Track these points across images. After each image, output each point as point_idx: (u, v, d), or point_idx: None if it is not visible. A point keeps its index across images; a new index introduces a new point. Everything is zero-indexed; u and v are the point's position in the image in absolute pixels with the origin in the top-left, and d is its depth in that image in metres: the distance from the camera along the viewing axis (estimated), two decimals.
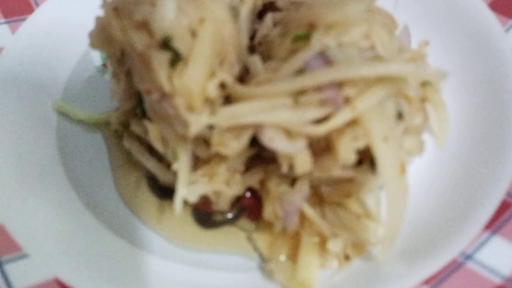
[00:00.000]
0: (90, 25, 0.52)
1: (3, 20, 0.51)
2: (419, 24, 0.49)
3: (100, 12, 0.51)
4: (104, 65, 0.54)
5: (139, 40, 0.34)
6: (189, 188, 0.37)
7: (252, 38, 0.43)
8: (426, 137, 0.42)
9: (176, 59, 0.33)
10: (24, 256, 0.36)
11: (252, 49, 0.42)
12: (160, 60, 0.33)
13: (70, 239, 0.39)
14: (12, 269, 0.34)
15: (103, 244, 0.40)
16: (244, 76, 0.40)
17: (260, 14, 0.45)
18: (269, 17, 0.42)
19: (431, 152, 0.41)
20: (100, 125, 0.50)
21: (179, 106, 0.34)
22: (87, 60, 0.54)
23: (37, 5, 0.53)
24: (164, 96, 0.35)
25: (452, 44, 0.46)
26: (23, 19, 0.52)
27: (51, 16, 0.53)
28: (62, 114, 0.49)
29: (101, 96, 0.52)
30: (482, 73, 0.44)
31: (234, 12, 0.40)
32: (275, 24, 0.43)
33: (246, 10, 0.41)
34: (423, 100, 0.40)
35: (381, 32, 0.37)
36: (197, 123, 0.33)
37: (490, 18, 0.46)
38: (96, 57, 0.54)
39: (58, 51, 0.52)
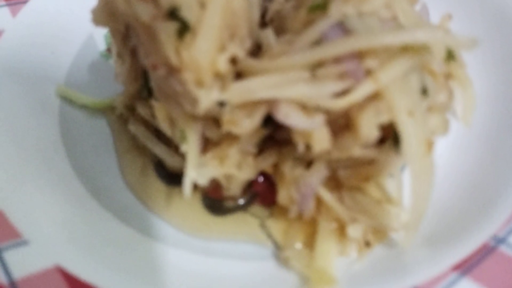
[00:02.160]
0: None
1: (3, 2, 0.49)
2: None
3: None
4: (108, 49, 0.52)
5: (144, 11, 0.32)
6: (198, 170, 0.35)
7: (263, 16, 0.41)
8: (449, 116, 0.40)
9: (184, 29, 0.31)
10: (23, 243, 0.33)
11: (263, 26, 0.40)
12: (167, 31, 0.31)
13: (72, 225, 0.37)
14: (11, 257, 0.32)
15: (108, 231, 0.38)
16: (255, 53, 0.38)
17: None
18: None
19: (455, 131, 0.38)
20: (105, 110, 0.48)
21: (187, 81, 0.32)
22: (90, 44, 0.52)
23: None
24: (172, 71, 0.32)
25: (475, 18, 0.44)
26: (24, 2, 0.50)
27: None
28: (65, 99, 0.47)
29: (105, 81, 0.50)
30: (507, 48, 0.42)
31: None
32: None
33: None
34: (448, 76, 0.38)
35: (403, 2, 0.34)
36: (207, 99, 0.31)
37: None
38: (100, 42, 0.52)
39: (60, 35, 0.50)
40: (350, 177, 0.38)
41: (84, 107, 0.47)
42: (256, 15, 0.39)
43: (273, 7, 0.40)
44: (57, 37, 0.50)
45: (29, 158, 0.41)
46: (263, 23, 0.40)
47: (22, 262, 0.32)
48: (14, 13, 0.49)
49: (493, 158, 0.37)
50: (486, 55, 0.40)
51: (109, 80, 0.50)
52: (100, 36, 0.52)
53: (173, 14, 0.32)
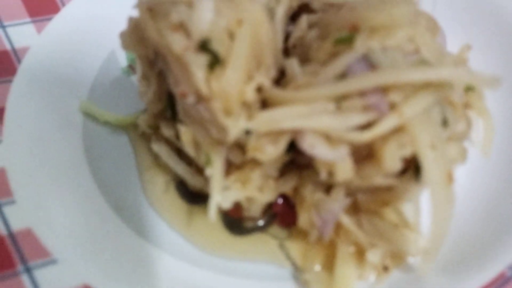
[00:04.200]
0: (116, 24, 0.52)
1: (28, 19, 0.50)
2: (456, 27, 0.48)
3: (126, 11, 0.52)
4: (130, 66, 0.53)
5: (176, 42, 0.33)
6: (222, 194, 0.36)
7: (285, 40, 0.42)
8: (466, 144, 0.41)
9: (214, 62, 0.32)
10: (53, 261, 0.35)
11: (286, 51, 0.41)
12: (198, 63, 0.32)
13: (98, 244, 0.38)
14: (42, 275, 0.33)
15: (131, 249, 0.39)
16: (279, 79, 0.39)
17: (293, 16, 0.44)
18: (304, 19, 0.41)
19: (473, 159, 0.39)
20: (126, 127, 0.49)
21: (216, 110, 0.33)
22: (112, 60, 0.53)
23: (63, 4, 0.52)
24: (200, 99, 0.34)
25: (492, 48, 0.45)
26: (49, 19, 0.51)
27: (77, 15, 0.52)
28: (88, 115, 0.48)
29: (127, 97, 0.51)
30: None
31: (270, 13, 0.39)
32: (310, 26, 0.41)
33: (282, 11, 0.39)
34: (466, 106, 0.39)
35: (425, 36, 0.35)
36: (235, 128, 0.32)
37: None
38: (122, 58, 0.53)
39: (84, 51, 0.51)
40: (369, 202, 0.39)
41: (106, 123, 0.48)
42: (280, 43, 0.40)
43: (296, 34, 0.41)
44: (81, 53, 0.51)
45: (54, 174, 0.42)
46: (286, 48, 0.42)
47: (52, 281, 0.33)
48: (39, 30, 0.50)
49: (510, 187, 0.38)
50: (504, 85, 0.41)
51: (131, 96, 0.51)
52: (122, 52, 0.53)
53: (204, 46, 0.33)
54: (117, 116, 0.48)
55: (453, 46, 0.45)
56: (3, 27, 0.49)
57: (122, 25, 0.53)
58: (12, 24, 0.49)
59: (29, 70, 0.47)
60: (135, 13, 0.38)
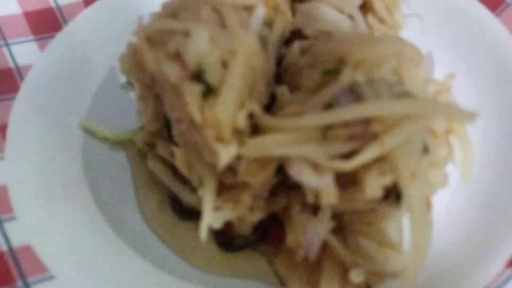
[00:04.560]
0: (115, 42, 0.54)
1: (32, 37, 0.52)
2: (444, 52, 0.50)
3: (124, 29, 0.54)
4: (128, 82, 0.55)
5: (172, 71, 0.34)
6: (214, 214, 0.38)
7: (278, 63, 0.44)
8: (449, 168, 0.42)
9: (208, 92, 0.34)
10: (51, 277, 0.36)
11: (277, 75, 0.43)
12: (192, 92, 0.33)
13: (94, 260, 0.40)
14: None
15: (127, 265, 0.41)
16: (269, 103, 0.41)
17: (286, 41, 0.45)
18: (296, 45, 0.43)
19: (454, 183, 0.41)
20: (124, 143, 0.51)
21: (208, 137, 0.34)
22: (112, 77, 0.55)
23: (65, 22, 0.54)
24: (194, 125, 0.35)
25: (476, 75, 0.46)
26: (52, 37, 0.53)
27: (78, 34, 0.54)
28: (88, 132, 0.50)
29: (126, 113, 0.52)
30: (506, 104, 0.45)
31: (263, 41, 0.40)
32: (302, 51, 0.43)
33: (275, 39, 0.41)
34: (448, 132, 0.40)
35: (409, 67, 0.37)
36: (226, 154, 0.34)
37: None
38: (121, 75, 0.55)
39: (84, 68, 0.53)
40: (353, 222, 0.40)
41: (105, 139, 0.50)
42: (272, 69, 0.41)
43: (288, 59, 0.43)
44: (81, 70, 0.52)
45: (54, 191, 0.44)
46: (278, 72, 0.43)
47: None
48: (42, 48, 0.51)
49: (488, 212, 0.40)
50: (483, 112, 0.43)
51: (129, 111, 0.53)
52: None
53: (198, 75, 0.35)
54: (115, 133, 0.50)
55: (441, 69, 0.47)
56: (7, 44, 0.51)
57: (121, 42, 0.55)
58: (15, 41, 0.52)
59: (31, 88, 0.49)
60: (134, 39, 0.40)
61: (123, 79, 0.55)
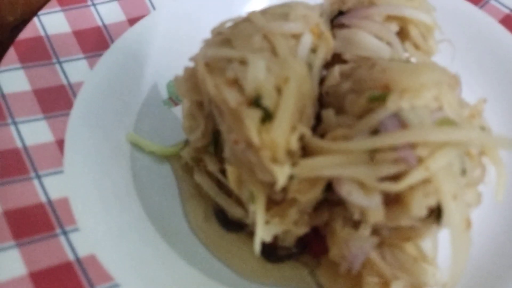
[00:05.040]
0: (157, 60, 0.58)
1: (82, 55, 0.55)
2: (471, 75, 0.53)
3: (164, 48, 0.57)
4: (170, 98, 0.58)
5: (231, 97, 0.37)
6: (264, 229, 0.41)
7: (319, 84, 0.47)
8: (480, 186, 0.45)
9: (266, 117, 0.37)
10: (116, 285, 0.39)
11: (319, 96, 0.46)
12: (252, 117, 0.36)
13: (151, 268, 0.43)
14: None
15: (178, 273, 0.44)
16: (315, 125, 0.43)
17: (326, 65, 0.48)
18: (337, 69, 0.46)
19: (486, 201, 0.43)
20: (169, 157, 0.54)
21: (265, 158, 0.37)
22: (155, 93, 0.58)
23: (112, 40, 0.57)
24: (251, 147, 0.38)
25: (503, 98, 0.49)
26: (100, 55, 0.56)
27: (124, 52, 0.57)
28: (135, 145, 0.53)
29: (169, 127, 0.56)
30: None
31: (309, 66, 0.43)
32: (342, 75, 0.46)
33: (318, 64, 0.44)
34: (481, 154, 0.43)
35: (448, 94, 0.40)
36: (283, 175, 0.37)
37: None
38: (163, 91, 0.58)
39: (130, 85, 0.56)
40: (392, 236, 0.43)
41: (151, 153, 0.53)
42: (316, 91, 0.44)
43: (329, 82, 0.46)
44: (127, 87, 0.55)
45: (109, 202, 0.46)
46: (320, 94, 0.46)
47: None
48: (91, 65, 0.54)
49: None
50: None
51: (172, 127, 0.56)
52: (163, 85, 0.58)
53: (256, 101, 0.37)
54: (160, 147, 0.53)
55: (468, 92, 0.50)
56: (60, 62, 0.54)
57: (163, 60, 0.59)
58: (67, 59, 0.55)
59: (83, 104, 0.52)
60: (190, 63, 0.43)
61: (165, 95, 0.58)
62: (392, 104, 0.38)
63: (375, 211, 0.37)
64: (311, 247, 0.46)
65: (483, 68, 0.56)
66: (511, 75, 0.55)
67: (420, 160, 0.36)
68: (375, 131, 0.38)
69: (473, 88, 0.51)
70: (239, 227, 0.48)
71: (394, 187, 0.36)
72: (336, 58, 0.49)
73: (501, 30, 0.58)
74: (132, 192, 0.49)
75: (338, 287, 0.43)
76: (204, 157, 0.49)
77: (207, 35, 0.46)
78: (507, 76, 0.55)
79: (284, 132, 0.38)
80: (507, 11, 0.60)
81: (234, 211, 0.47)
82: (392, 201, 0.39)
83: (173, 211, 0.49)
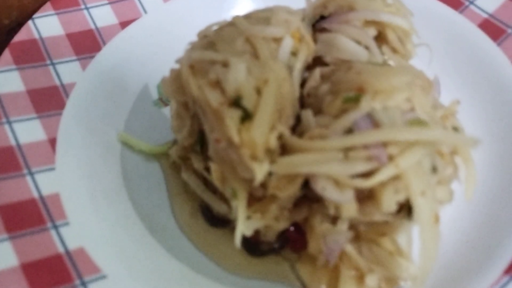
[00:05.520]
0: (148, 62, 0.60)
1: (74, 57, 0.57)
2: (449, 78, 0.55)
3: (155, 50, 0.59)
4: (160, 99, 0.60)
5: (213, 98, 0.39)
6: (246, 223, 0.43)
7: (301, 85, 0.49)
8: (454, 184, 0.47)
9: (245, 117, 0.39)
10: (103, 277, 0.41)
11: (300, 98, 0.48)
12: (232, 117, 0.38)
13: (138, 261, 0.45)
14: None
15: (165, 266, 0.46)
16: (295, 125, 0.45)
17: (308, 67, 0.50)
18: (317, 71, 0.48)
19: (458, 198, 0.45)
20: (158, 156, 0.55)
21: (244, 155, 0.39)
22: (145, 94, 0.60)
23: (104, 43, 0.59)
24: (231, 145, 0.40)
25: (478, 100, 0.52)
26: (92, 56, 0.58)
27: (116, 54, 0.59)
28: (125, 144, 0.55)
29: (158, 127, 0.58)
30: (505, 127, 0.50)
31: (290, 69, 0.45)
32: (322, 77, 0.48)
33: (299, 66, 0.46)
34: (453, 153, 0.45)
35: (420, 96, 0.42)
36: (261, 172, 0.39)
37: None
38: (153, 92, 0.60)
39: (121, 86, 0.58)
40: (369, 232, 0.45)
41: (141, 152, 0.55)
42: (297, 93, 0.46)
43: (310, 84, 0.48)
44: (118, 88, 0.57)
45: (99, 198, 0.48)
46: (301, 95, 0.48)
47: None
48: (83, 67, 0.56)
49: (487, 224, 0.45)
50: (485, 136, 0.48)
51: (162, 126, 0.58)
52: (153, 86, 0.60)
53: (236, 102, 0.39)
54: (150, 146, 0.55)
55: (446, 94, 0.52)
56: (53, 64, 0.56)
57: (153, 62, 0.61)
58: (60, 61, 0.57)
59: (75, 104, 0.54)
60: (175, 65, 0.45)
61: (155, 95, 0.60)
62: (365, 105, 0.40)
63: (348, 206, 0.39)
64: (292, 242, 0.48)
65: (462, 71, 0.58)
66: (490, 78, 0.58)
67: (390, 158, 0.38)
68: (349, 131, 0.40)
69: (451, 90, 0.53)
70: (224, 223, 0.50)
71: (365, 183, 0.38)
72: (317, 61, 0.51)
73: (480, 34, 0.60)
74: (122, 189, 0.51)
75: (317, 280, 0.45)
76: (190, 156, 0.51)
77: (195, 38, 0.48)
78: (486, 79, 0.57)
79: (263, 131, 0.40)
80: (485, 16, 0.62)
81: (219, 208, 0.49)
82: (365, 197, 0.41)
83: (160, 208, 0.51)
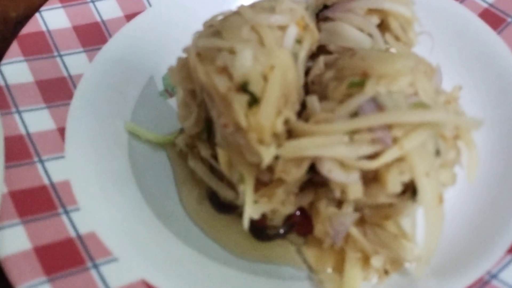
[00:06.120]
0: (154, 53, 0.61)
1: (81, 49, 0.58)
2: (451, 65, 0.56)
3: (161, 42, 0.60)
4: (166, 90, 0.61)
5: (221, 84, 0.40)
6: (253, 207, 0.43)
7: (305, 74, 0.50)
8: (457, 168, 0.48)
9: (252, 101, 0.40)
10: (114, 259, 0.42)
11: (305, 85, 0.49)
12: (240, 102, 0.39)
13: (147, 245, 0.46)
14: (107, 271, 0.41)
15: (174, 250, 0.47)
16: (301, 111, 0.46)
17: (312, 55, 0.51)
18: (321, 59, 0.48)
19: (461, 182, 0.46)
20: (165, 145, 0.56)
21: (252, 139, 0.40)
22: (151, 85, 0.60)
23: (110, 35, 0.60)
24: (239, 130, 0.41)
25: (480, 86, 0.53)
26: (98, 48, 0.59)
27: (121, 46, 0.60)
28: (132, 134, 0.56)
29: (165, 117, 0.58)
30: (506, 112, 0.51)
31: (295, 56, 0.46)
32: (326, 65, 0.49)
33: (303, 54, 0.47)
34: (456, 137, 0.46)
35: (423, 81, 0.43)
36: (268, 155, 0.39)
37: None
38: (159, 83, 0.61)
39: (127, 77, 0.59)
40: (373, 215, 0.46)
41: (148, 141, 0.56)
42: (302, 80, 0.47)
43: (315, 72, 0.49)
44: (124, 79, 0.58)
45: (108, 185, 0.49)
46: (306, 83, 0.49)
47: (115, 276, 0.41)
48: (90, 59, 0.57)
49: (491, 206, 0.46)
50: (487, 120, 0.49)
51: (168, 117, 0.59)
52: (159, 77, 0.61)
53: (243, 87, 0.40)
54: (157, 135, 0.56)
55: (448, 81, 0.53)
56: (60, 56, 0.57)
57: (158, 53, 0.62)
58: (67, 53, 0.57)
59: (83, 95, 0.55)
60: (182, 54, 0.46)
61: (161, 87, 0.61)
62: (370, 89, 0.41)
63: (354, 187, 0.40)
64: (298, 226, 0.49)
65: (463, 60, 0.59)
66: (490, 66, 0.58)
67: (395, 140, 0.39)
68: (354, 114, 0.41)
69: (453, 78, 0.53)
70: (231, 209, 0.50)
71: (370, 165, 0.39)
72: (321, 49, 0.52)
73: (480, 23, 0.61)
74: (130, 177, 0.52)
75: (323, 262, 0.46)
76: (197, 144, 0.51)
77: (200, 30, 0.49)
78: (486, 67, 0.58)
79: (269, 116, 0.41)
80: (485, 5, 0.63)
81: (226, 194, 0.50)
82: (371, 179, 0.42)
83: (168, 195, 0.52)
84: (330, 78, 0.46)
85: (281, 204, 0.46)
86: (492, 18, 0.61)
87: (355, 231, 0.45)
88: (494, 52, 0.57)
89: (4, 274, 0.40)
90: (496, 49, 0.57)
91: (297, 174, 0.43)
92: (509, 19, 0.61)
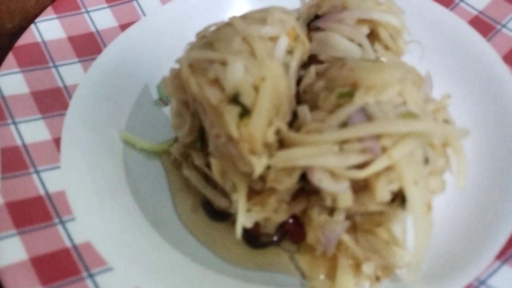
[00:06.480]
0: (148, 63, 0.61)
1: (76, 59, 0.59)
2: (441, 73, 0.57)
3: (154, 52, 0.61)
4: (160, 99, 0.62)
5: (213, 95, 0.41)
6: (246, 215, 0.44)
7: (296, 83, 0.50)
8: (446, 175, 0.49)
9: (244, 113, 0.40)
10: (109, 269, 0.43)
11: (297, 95, 0.49)
12: (231, 113, 0.40)
13: (142, 254, 0.46)
14: (102, 281, 0.42)
15: (169, 259, 0.47)
16: (292, 121, 0.47)
17: (303, 65, 0.52)
18: (313, 69, 0.49)
19: (450, 189, 0.47)
20: (159, 153, 0.57)
21: (244, 150, 0.41)
22: (145, 94, 0.61)
23: (105, 45, 0.61)
24: (231, 140, 0.42)
25: (469, 94, 0.54)
26: (93, 58, 0.59)
27: (116, 56, 0.61)
28: (127, 143, 0.56)
29: (159, 126, 0.59)
30: (494, 120, 0.52)
31: (286, 67, 0.47)
32: (317, 74, 0.50)
33: (295, 65, 0.48)
34: (445, 145, 0.47)
35: (411, 90, 0.44)
36: (260, 165, 0.40)
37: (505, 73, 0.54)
38: (153, 92, 0.62)
39: (121, 86, 0.60)
40: (365, 222, 0.47)
41: (142, 150, 0.56)
42: (293, 90, 0.48)
43: (306, 81, 0.49)
44: (119, 88, 0.59)
45: (103, 194, 0.50)
46: (297, 92, 0.50)
47: (110, 285, 0.41)
48: (85, 69, 0.58)
49: (479, 213, 0.46)
50: (475, 128, 0.50)
51: (162, 126, 0.59)
52: (153, 86, 0.61)
53: (235, 98, 0.41)
54: (151, 144, 0.57)
55: (439, 89, 0.54)
56: (56, 66, 0.58)
57: (152, 63, 0.62)
58: (62, 63, 0.58)
59: (78, 105, 0.56)
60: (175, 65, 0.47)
61: (155, 95, 0.62)
62: (359, 99, 0.42)
63: (344, 196, 0.41)
64: (291, 233, 0.50)
65: (453, 67, 0.60)
66: (480, 73, 0.59)
67: (384, 150, 0.40)
68: (344, 124, 0.42)
69: (443, 86, 0.54)
70: (225, 217, 0.51)
71: (360, 174, 0.39)
72: (312, 59, 0.52)
73: (470, 30, 0.62)
74: (125, 186, 0.52)
75: (316, 269, 0.47)
76: (191, 153, 0.52)
77: (194, 39, 0.49)
78: (476, 74, 0.59)
79: (261, 126, 0.41)
80: (475, 12, 0.64)
81: (220, 202, 0.51)
82: (361, 188, 0.43)
83: (162, 203, 0.53)
84: (321, 88, 0.47)
85: (273, 212, 0.47)
86: (482, 25, 0.62)
87: (347, 238, 0.46)
88: (484, 59, 0.58)
89: (1, 284, 0.41)
90: (486, 56, 0.58)
91: (288, 183, 0.44)
92: (498, 27, 0.62)
